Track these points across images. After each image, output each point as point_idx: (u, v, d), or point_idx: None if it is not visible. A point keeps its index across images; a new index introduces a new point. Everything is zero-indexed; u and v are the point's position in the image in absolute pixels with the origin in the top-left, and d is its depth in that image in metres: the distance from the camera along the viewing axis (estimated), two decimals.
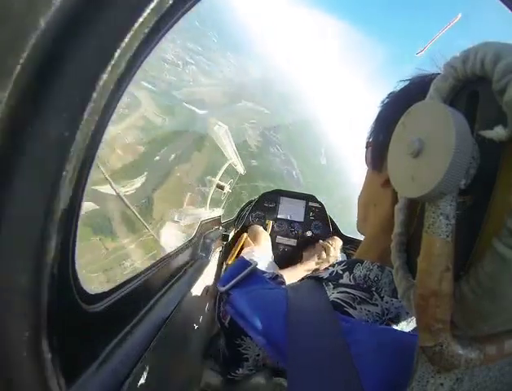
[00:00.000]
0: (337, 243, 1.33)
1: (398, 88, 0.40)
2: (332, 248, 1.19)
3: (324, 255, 1.17)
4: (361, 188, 0.46)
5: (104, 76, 0.20)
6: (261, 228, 1.35)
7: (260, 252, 1.15)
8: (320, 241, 1.24)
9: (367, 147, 0.43)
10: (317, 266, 1.12)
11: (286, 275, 0.98)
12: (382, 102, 0.41)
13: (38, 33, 0.17)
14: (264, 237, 1.28)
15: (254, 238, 1.25)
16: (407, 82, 0.39)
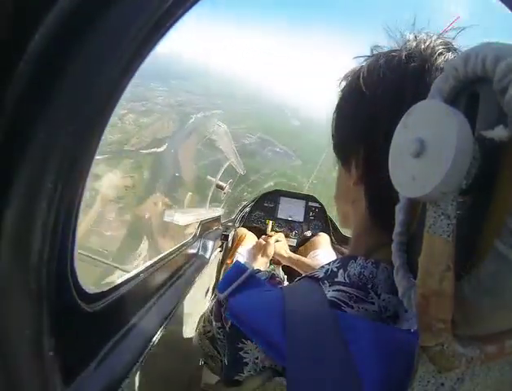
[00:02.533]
0: (322, 238, 1.35)
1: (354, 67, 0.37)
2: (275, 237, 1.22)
3: (260, 244, 1.20)
4: (336, 184, 0.44)
5: (105, 75, 0.20)
6: (242, 230, 1.39)
7: (246, 249, 1.21)
8: (263, 236, 1.28)
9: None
10: (263, 258, 1.15)
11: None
12: (341, 92, 0.38)
13: (42, 31, 0.17)
14: (247, 235, 1.35)
15: (242, 241, 1.30)
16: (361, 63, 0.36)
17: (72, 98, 0.19)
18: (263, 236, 1.25)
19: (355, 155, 0.36)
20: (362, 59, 0.37)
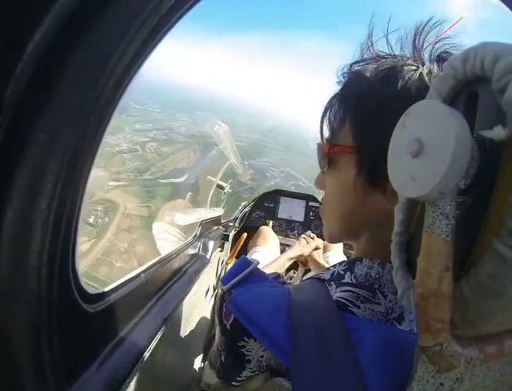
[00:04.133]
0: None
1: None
2: (315, 239, 1.20)
3: (303, 241, 1.18)
4: (339, 198, 0.39)
5: (106, 75, 0.20)
6: (269, 229, 1.35)
7: (266, 249, 1.17)
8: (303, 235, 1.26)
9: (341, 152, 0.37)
10: (300, 252, 1.13)
11: (271, 267, 0.99)
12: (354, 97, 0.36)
13: (41, 31, 0.17)
14: (272, 237, 1.30)
15: (263, 238, 1.26)
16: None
17: (72, 99, 0.20)
18: (308, 232, 1.23)
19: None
20: None
